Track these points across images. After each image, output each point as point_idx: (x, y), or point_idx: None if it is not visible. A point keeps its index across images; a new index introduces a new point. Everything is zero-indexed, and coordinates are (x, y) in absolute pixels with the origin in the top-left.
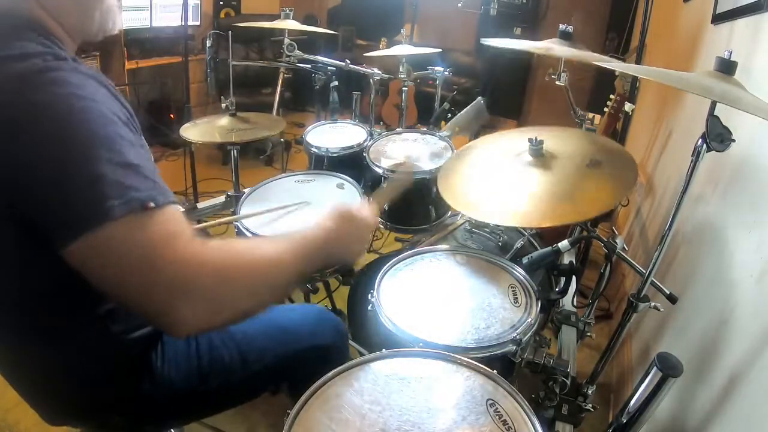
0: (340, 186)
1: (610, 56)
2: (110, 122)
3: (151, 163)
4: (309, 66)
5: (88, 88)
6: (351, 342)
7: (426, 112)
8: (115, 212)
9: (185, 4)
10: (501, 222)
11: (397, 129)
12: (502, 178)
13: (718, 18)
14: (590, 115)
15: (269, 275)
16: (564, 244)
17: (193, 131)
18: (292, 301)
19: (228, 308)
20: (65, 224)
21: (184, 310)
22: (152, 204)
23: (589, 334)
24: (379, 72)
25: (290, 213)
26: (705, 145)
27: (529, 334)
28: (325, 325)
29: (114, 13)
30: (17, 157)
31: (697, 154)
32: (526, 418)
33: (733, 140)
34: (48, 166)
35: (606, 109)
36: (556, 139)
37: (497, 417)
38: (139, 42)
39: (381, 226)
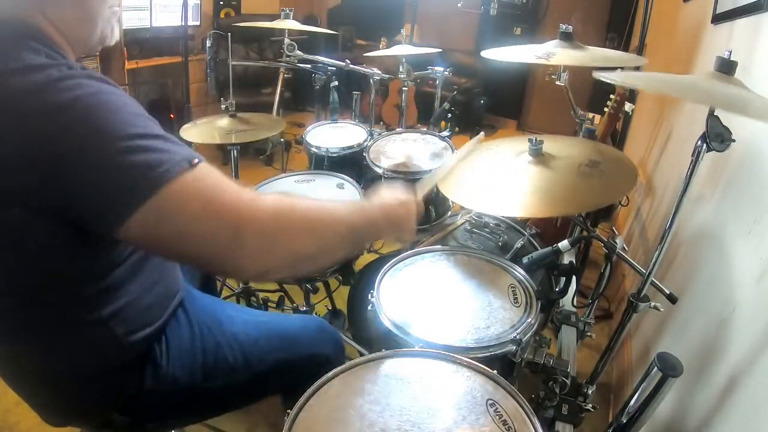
0: (340, 186)
1: None
2: (131, 107)
3: None
4: (309, 66)
5: (106, 88)
6: (351, 342)
7: (426, 112)
8: (169, 174)
9: (185, 4)
10: (499, 212)
11: (397, 129)
12: (502, 175)
13: (718, 18)
14: (590, 115)
15: (324, 220)
16: (564, 244)
17: (192, 132)
18: (293, 302)
19: (288, 244)
20: (121, 201)
21: (249, 247)
22: (197, 160)
23: (589, 334)
24: (379, 72)
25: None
26: (705, 145)
27: (529, 334)
28: (325, 337)
29: (113, 24)
30: (59, 161)
31: (697, 154)
32: (526, 418)
33: (733, 140)
34: (91, 160)
35: (606, 109)
36: (554, 145)
37: (497, 417)
38: (139, 42)
39: None
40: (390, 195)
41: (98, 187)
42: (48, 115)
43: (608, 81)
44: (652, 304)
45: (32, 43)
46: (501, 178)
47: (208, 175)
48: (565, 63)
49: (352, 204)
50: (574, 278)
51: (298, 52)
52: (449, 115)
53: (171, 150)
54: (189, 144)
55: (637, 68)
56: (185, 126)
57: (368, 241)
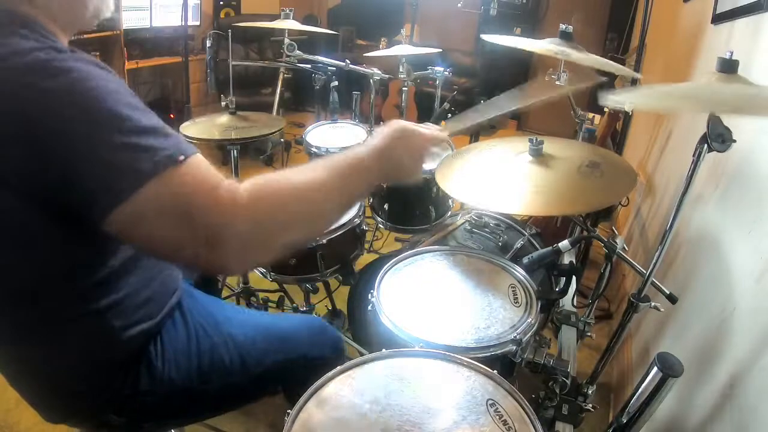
0: None
1: (610, 57)
2: (121, 94)
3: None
4: (309, 66)
5: (94, 72)
6: (351, 342)
7: (426, 112)
8: (150, 172)
9: (185, 4)
10: (499, 209)
11: None
12: (502, 173)
13: (718, 18)
14: (590, 115)
15: (309, 198)
16: (564, 244)
17: (192, 129)
18: (292, 303)
19: (269, 243)
20: (104, 196)
21: (228, 249)
22: (182, 157)
23: (589, 334)
24: (379, 72)
25: None
26: (706, 146)
27: (529, 334)
28: (324, 338)
29: None
30: (41, 146)
31: (697, 155)
32: (526, 418)
33: (734, 141)
34: (77, 146)
35: (606, 110)
36: (553, 146)
37: (497, 417)
38: (139, 42)
39: (381, 226)
40: (387, 131)
41: (80, 177)
42: (34, 97)
43: (616, 106)
44: (652, 304)
45: (20, 30)
46: (501, 176)
47: (192, 172)
48: (572, 59)
49: (335, 161)
50: (574, 278)
51: (298, 52)
52: (449, 115)
53: (157, 145)
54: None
55: (634, 81)
56: (184, 123)
57: (366, 191)
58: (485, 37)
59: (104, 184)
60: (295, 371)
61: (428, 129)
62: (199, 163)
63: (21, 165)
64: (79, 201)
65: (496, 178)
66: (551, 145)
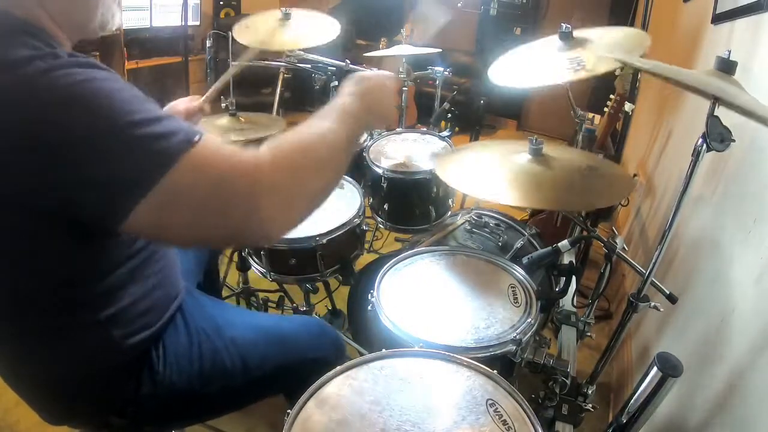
0: (340, 186)
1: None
2: (124, 90)
3: None
4: (309, 66)
5: (95, 73)
6: (351, 342)
7: (426, 112)
8: (171, 158)
9: (185, 4)
10: (500, 201)
11: (397, 129)
12: (502, 168)
13: (718, 18)
14: (590, 115)
15: (328, 149)
16: (564, 244)
17: None
18: (292, 303)
19: (302, 195)
20: (125, 191)
21: (267, 209)
22: (197, 137)
23: (589, 334)
24: None
25: None
26: (705, 145)
27: (529, 334)
28: (325, 339)
29: (114, 8)
30: (51, 156)
31: (697, 154)
32: (526, 418)
33: (733, 140)
34: (88, 151)
35: (606, 109)
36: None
37: (497, 417)
38: (139, 42)
39: (381, 226)
40: (354, 79)
41: (98, 179)
42: (41, 107)
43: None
44: (652, 304)
45: (21, 37)
46: (502, 171)
47: (210, 149)
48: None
49: (334, 111)
50: (574, 278)
51: (298, 52)
52: (449, 115)
53: (170, 131)
54: None
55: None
56: None
57: (360, 134)
58: (494, 80)
59: (126, 179)
60: (297, 373)
61: (383, 73)
62: (214, 140)
63: (26, 179)
64: (92, 209)
65: (497, 172)
66: (550, 148)
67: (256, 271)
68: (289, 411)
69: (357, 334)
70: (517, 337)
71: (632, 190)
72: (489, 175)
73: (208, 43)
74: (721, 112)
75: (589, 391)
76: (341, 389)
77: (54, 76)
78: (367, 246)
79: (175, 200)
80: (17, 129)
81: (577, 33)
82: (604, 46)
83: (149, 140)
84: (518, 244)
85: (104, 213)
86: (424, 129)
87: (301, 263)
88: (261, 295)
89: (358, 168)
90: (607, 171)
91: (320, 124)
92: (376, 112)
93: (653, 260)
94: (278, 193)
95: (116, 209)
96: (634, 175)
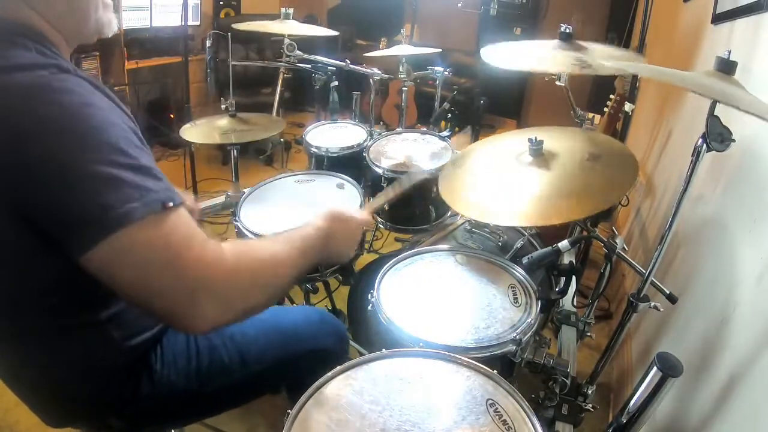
0: (340, 186)
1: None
2: (119, 128)
3: (157, 167)
4: (309, 66)
5: (93, 98)
6: (351, 342)
7: (426, 112)
8: (136, 213)
9: (185, 4)
10: (504, 222)
11: (397, 129)
12: (503, 179)
13: (718, 18)
14: (590, 115)
15: (278, 271)
16: (564, 244)
17: (192, 132)
18: (292, 303)
19: (241, 307)
20: (84, 231)
21: (204, 308)
22: (171, 203)
23: (589, 334)
24: (379, 72)
25: (297, 211)
26: (705, 145)
27: (529, 334)
28: (326, 329)
29: (110, 13)
30: (29, 169)
31: (697, 154)
32: (526, 418)
33: (733, 140)
34: (61, 176)
35: (606, 109)
36: (553, 139)
37: (497, 417)
38: (139, 42)
39: (381, 226)
40: (328, 215)
41: (65, 207)
42: (30, 118)
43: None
44: (652, 304)
45: (22, 40)
46: (502, 185)
47: (178, 223)
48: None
49: (294, 238)
50: (574, 278)
51: (298, 52)
52: (449, 115)
53: (146, 186)
54: (189, 144)
55: (634, 80)
56: (185, 126)
57: (309, 268)
58: (486, 59)
59: (90, 216)
60: (299, 366)
61: (359, 213)
62: (186, 215)
63: (11, 187)
64: (58, 234)
65: (498, 188)
66: (550, 141)
67: None
68: (289, 411)
69: (357, 334)
70: (517, 337)
71: (637, 172)
72: (491, 192)
73: (208, 43)
74: (720, 111)
75: (589, 391)
76: (341, 389)
77: (52, 91)
78: (367, 246)
79: (133, 254)
80: (4, 136)
81: (577, 42)
82: (605, 54)
83: (127, 186)
84: (518, 244)
85: (63, 245)
86: (424, 129)
87: None
88: None
89: (358, 168)
90: (610, 154)
91: (284, 248)
92: (334, 254)
93: (653, 260)
94: (221, 299)
95: (70, 246)
96: None
